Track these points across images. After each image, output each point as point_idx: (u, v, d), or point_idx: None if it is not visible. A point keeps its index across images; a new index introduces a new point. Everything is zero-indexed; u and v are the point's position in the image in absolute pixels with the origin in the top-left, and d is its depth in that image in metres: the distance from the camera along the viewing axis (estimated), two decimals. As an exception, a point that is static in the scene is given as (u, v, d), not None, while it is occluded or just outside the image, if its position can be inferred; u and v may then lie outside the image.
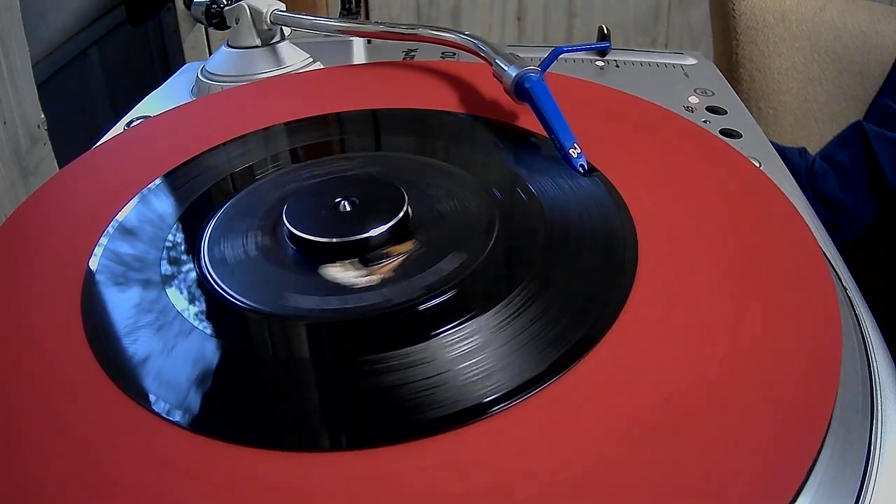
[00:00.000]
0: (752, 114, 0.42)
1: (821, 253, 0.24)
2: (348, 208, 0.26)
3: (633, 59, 0.49)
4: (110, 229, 0.28)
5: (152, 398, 0.20)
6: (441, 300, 0.23)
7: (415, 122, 0.34)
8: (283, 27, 0.44)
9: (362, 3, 0.94)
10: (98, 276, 0.25)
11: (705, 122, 0.40)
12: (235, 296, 0.24)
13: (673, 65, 0.48)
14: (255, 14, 0.43)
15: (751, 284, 0.23)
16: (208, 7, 0.44)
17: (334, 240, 0.25)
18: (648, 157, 0.30)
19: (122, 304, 0.24)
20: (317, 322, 0.23)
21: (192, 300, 0.24)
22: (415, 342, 0.21)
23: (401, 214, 0.26)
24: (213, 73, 0.44)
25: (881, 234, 0.57)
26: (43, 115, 0.55)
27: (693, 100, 0.43)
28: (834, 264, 0.28)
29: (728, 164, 0.29)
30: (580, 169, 0.28)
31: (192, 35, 0.87)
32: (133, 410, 0.20)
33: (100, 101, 0.79)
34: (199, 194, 0.29)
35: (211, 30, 0.51)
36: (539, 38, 1.03)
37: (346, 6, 0.63)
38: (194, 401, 0.20)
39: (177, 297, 0.24)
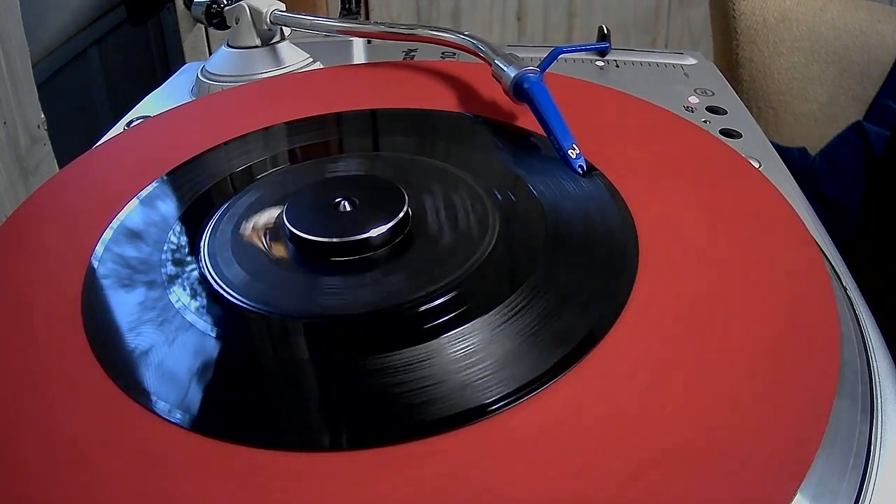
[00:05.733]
0: (752, 114, 0.42)
1: (820, 253, 0.24)
2: (348, 208, 0.26)
3: (633, 59, 0.49)
4: (110, 229, 0.28)
5: (153, 398, 0.20)
6: (442, 301, 0.23)
7: (415, 122, 0.34)
8: (283, 27, 0.44)
9: (362, 3, 0.94)
10: (98, 276, 0.25)
11: (705, 122, 0.40)
12: (236, 296, 0.24)
13: (673, 65, 0.48)
14: (255, 14, 0.43)
15: (750, 284, 0.23)
16: (208, 7, 0.44)
17: (334, 240, 0.25)
18: (648, 158, 0.30)
19: (122, 304, 0.24)
20: (317, 323, 0.23)
21: (192, 300, 0.24)
22: (415, 343, 0.21)
23: (401, 214, 0.26)
24: (213, 73, 0.44)
25: (871, 228, 0.57)
26: (43, 115, 0.55)
27: (693, 100, 0.43)
28: (834, 264, 0.28)
29: (727, 164, 0.29)
30: (579, 170, 0.28)
31: (192, 35, 0.87)
32: (133, 410, 0.20)
33: (100, 101, 0.79)
34: (199, 194, 0.29)
35: (211, 30, 0.51)
36: (539, 38, 1.03)
37: (346, 6, 0.63)
38: (194, 400, 0.20)
39: (177, 297, 0.24)
